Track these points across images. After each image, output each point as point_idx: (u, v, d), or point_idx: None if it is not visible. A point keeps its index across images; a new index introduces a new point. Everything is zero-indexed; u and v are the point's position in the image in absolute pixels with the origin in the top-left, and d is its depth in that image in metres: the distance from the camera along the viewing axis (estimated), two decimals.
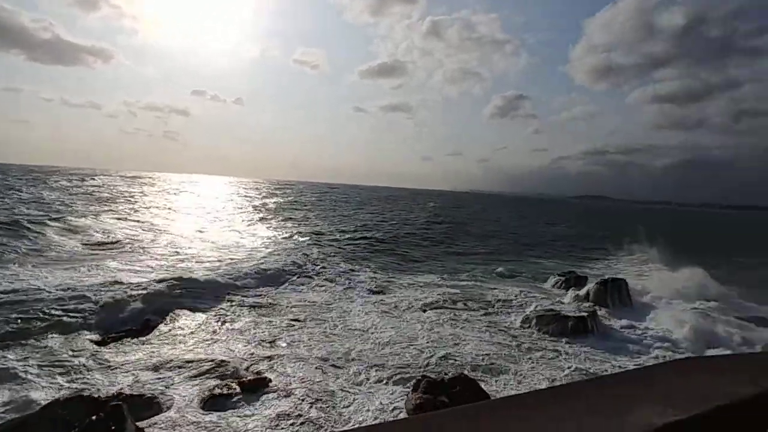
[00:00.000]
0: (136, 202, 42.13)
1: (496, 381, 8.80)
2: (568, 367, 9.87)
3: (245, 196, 72.66)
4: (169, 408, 6.95)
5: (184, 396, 7.34)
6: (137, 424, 5.94)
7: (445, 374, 7.87)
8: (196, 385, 7.83)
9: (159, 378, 7.87)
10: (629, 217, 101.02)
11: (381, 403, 7.60)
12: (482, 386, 7.92)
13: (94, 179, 75.42)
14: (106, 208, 33.04)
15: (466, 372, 8.15)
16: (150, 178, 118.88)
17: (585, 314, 12.19)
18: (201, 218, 34.49)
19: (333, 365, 9.03)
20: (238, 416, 6.85)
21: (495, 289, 16.81)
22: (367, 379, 8.41)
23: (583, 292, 15.16)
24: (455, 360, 9.56)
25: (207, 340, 9.85)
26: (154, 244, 20.76)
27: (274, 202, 58.55)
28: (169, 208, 40.19)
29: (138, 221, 28.13)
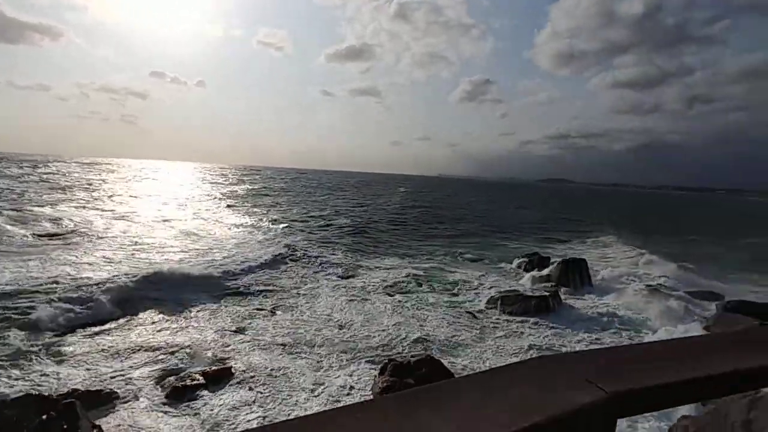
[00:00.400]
0: (95, 189, 40.10)
1: (462, 361, 9.01)
2: (530, 345, 10.25)
3: (212, 183, 70.53)
4: (129, 402, 6.75)
5: (145, 389, 7.14)
6: (95, 421, 5.74)
7: (412, 357, 7.97)
8: (158, 377, 7.64)
9: (118, 372, 7.61)
10: (591, 200, 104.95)
11: (345, 387, 7.63)
12: (448, 367, 8.10)
13: (47, 166, 71.29)
14: (63, 197, 31.36)
15: (432, 353, 8.28)
16: (108, 164, 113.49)
17: (547, 294, 12.62)
18: (166, 206, 33.13)
19: (298, 351, 9.00)
20: (201, 408, 6.74)
21: (459, 271, 17.14)
22: (332, 366, 8.43)
23: (545, 272, 15.67)
24: (422, 342, 9.72)
25: (170, 332, 9.59)
26: (115, 234, 19.69)
27: (243, 189, 56.98)
28: (131, 196, 38.47)
29: (98, 209, 26.80)
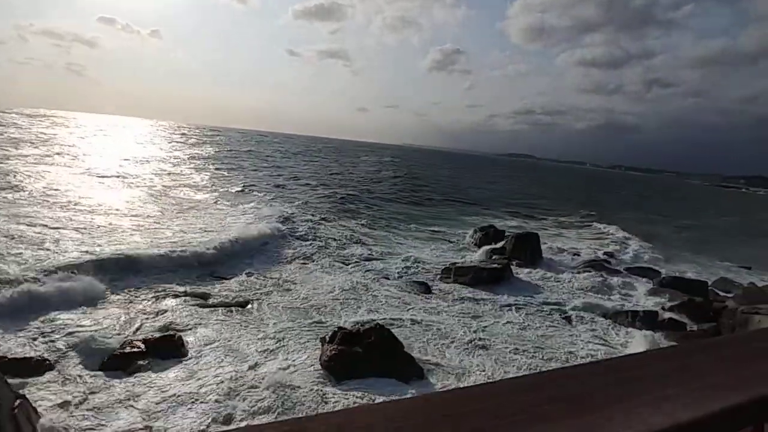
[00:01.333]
0: (46, 144, 36.74)
1: (411, 331, 9.18)
2: (482, 311, 10.65)
3: (175, 143, 66.68)
4: (59, 370, 6.44)
5: (78, 357, 6.83)
6: (19, 391, 5.43)
7: (361, 325, 8.04)
8: (96, 345, 7.32)
9: (50, 340, 7.21)
10: (552, 176, 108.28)
11: (294, 361, 7.59)
12: (397, 336, 8.23)
13: None
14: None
15: (381, 322, 8.38)
16: (54, 117, 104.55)
17: (499, 266, 12.99)
18: (128, 166, 30.48)
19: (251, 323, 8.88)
20: (139, 379, 6.53)
21: (414, 243, 17.42)
22: (284, 339, 8.33)
23: (499, 245, 16.10)
24: (374, 315, 9.81)
25: (117, 310, 9.02)
26: (72, 199, 17.36)
27: (210, 151, 53.62)
28: (87, 154, 34.73)
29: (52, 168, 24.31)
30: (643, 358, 0.85)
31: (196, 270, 11.48)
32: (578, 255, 17.30)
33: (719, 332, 10.52)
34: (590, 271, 14.10)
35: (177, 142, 68.54)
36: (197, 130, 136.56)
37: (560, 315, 10.98)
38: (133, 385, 6.36)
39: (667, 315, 11.23)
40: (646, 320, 10.65)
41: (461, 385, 7.07)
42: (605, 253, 18.10)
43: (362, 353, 7.43)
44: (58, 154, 32.20)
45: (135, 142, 58.47)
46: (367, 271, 12.95)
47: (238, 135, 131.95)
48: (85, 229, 13.66)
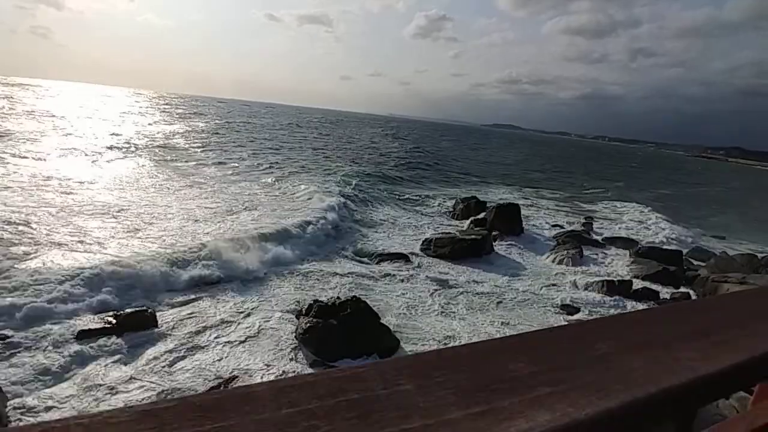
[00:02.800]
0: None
1: (388, 302, 9.19)
2: (462, 281, 10.71)
3: (164, 113, 64.02)
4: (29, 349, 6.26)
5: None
6: None
7: (337, 298, 7.98)
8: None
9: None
10: (538, 147, 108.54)
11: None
12: (373, 307, 8.21)
13: None
14: None
15: (357, 294, 8.34)
16: (25, 85, 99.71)
17: (479, 237, 13.00)
18: (125, 144, 26.79)
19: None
20: (105, 356, 6.40)
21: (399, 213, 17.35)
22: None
23: (481, 216, 16.11)
24: (354, 287, 9.77)
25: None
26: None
27: (203, 124, 50.23)
28: (73, 131, 30.54)
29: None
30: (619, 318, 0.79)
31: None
32: (559, 226, 17.50)
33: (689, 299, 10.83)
34: (568, 242, 14.24)
35: (168, 113, 65.53)
36: (179, 101, 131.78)
37: (537, 287, 11.07)
38: (98, 365, 6.24)
39: (642, 284, 11.47)
40: (621, 289, 10.85)
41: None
42: (584, 225, 18.32)
43: (337, 325, 7.40)
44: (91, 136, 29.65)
45: (121, 113, 55.51)
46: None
47: (222, 105, 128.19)
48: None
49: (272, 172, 22.88)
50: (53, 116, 39.59)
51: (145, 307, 7.74)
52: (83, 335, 6.77)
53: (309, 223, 13.12)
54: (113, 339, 6.77)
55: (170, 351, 6.72)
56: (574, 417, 0.45)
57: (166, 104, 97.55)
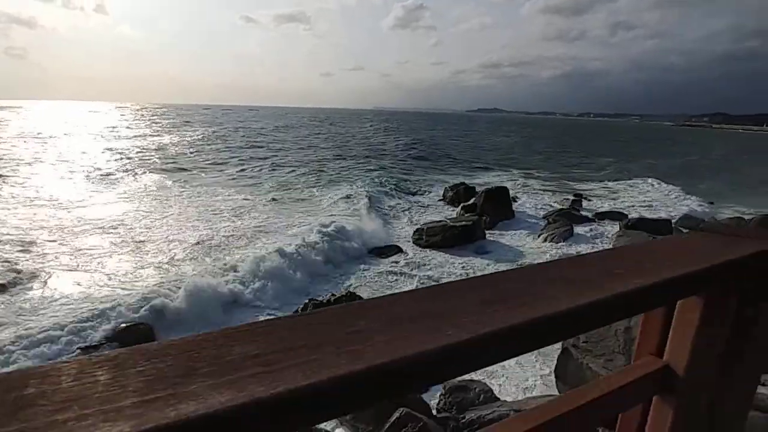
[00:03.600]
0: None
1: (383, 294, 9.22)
2: (453, 272, 10.73)
3: (155, 124, 62.93)
4: None
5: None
6: None
7: (332, 294, 8.00)
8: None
9: None
10: (522, 129, 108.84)
11: None
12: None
13: None
14: None
15: (351, 290, 8.36)
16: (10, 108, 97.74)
17: (469, 223, 13.03)
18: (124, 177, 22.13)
19: None
20: None
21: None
22: None
23: (470, 202, 16.16)
24: (344, 283, 9.77)
25: None
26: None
27: (201, 135, 48.23)
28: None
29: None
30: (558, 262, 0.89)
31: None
32: (549, 206, 17.60)
33: None
34: (559, 221, 14.33)
35: (160, 124, 64.55)
36: (166, 111, 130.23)
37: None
38: None
39: None
40: None
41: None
42: (573, 201, 18.43)
43: None
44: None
45: (130, 130, 54.07)
46: None
47: (207, 112, 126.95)
48: None
49: (297, 180, 22.06)
50: (42, 137, 38.89)
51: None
52: None
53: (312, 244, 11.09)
54: None
55: None
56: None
57: (153, 115, 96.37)
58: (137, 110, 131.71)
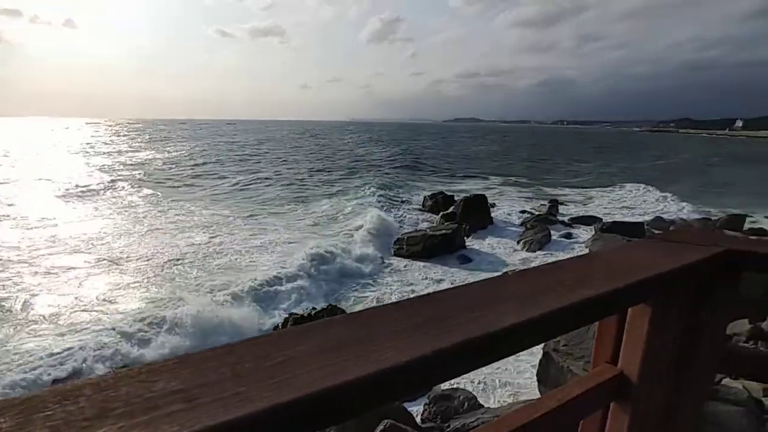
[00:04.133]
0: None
1: (364, 306, 9.17)
2: (437, 280, 10.76)
3: (134, 140, 61.17)
4: None
5: None
6: None
7: (313, 308, 7.92)
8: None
9: None
10: (500, 138, 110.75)
11: None
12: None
13: None
14: None
15: (332, 303, 8.30)
16: None
17: (449, 232, 13.13)
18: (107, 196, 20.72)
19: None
20: None
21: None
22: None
23: (449, 210, 16.31)
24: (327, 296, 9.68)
25: None
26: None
27: (186, 150, 46.89)
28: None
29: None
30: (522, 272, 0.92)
31: None
32: (526, 212, 17.90)
33: None
34: (536, 227, 14.59)
35: (140, 141, 62.26)
36: (140, 126, 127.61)
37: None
38: None
39: None
40: None
41: None
42: (550, 207, 18.80)
43: None
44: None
45: (108, 146, 52.13)
46: None
47: (188, 126, 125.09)
48: None
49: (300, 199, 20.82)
50: (12, 155, 37.42)
51: None
52: None
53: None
54: None
55: None
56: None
57: (129, 131, 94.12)
58: (111, 126, 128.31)
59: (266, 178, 26.98)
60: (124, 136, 77.83)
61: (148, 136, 73.57)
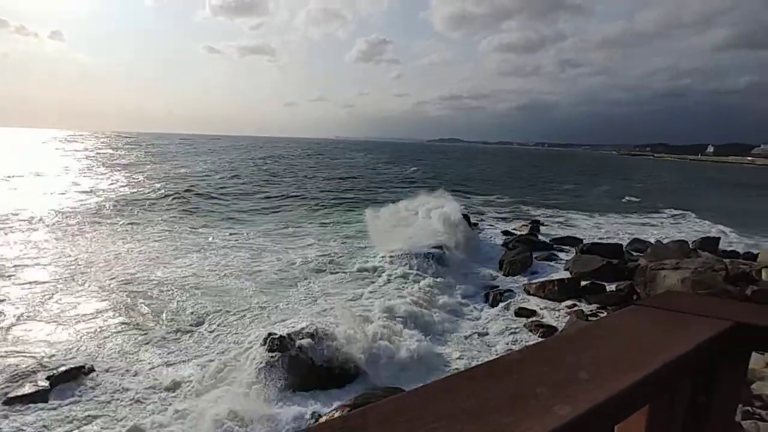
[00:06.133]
0: None
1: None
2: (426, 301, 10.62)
3: (129, 153, 59.60)
4: None
5: None
6: None
7: (293, 327, 7.76)
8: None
9: None
10: (482, 158, 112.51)
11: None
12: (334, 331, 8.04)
13: None
14: None
15: (312, 321, 8.14)
16: None
17: (438, 248, 13.18)
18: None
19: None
20: (40, 419, 5.83)
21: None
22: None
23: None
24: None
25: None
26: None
27: (213, 164, 45.77)
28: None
29: None
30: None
31: None
32: (508, 232, 18.08)
33: (633, 290, 11.40)
34: (518, 247, 14.70)
35: (138, 155, 59.90)
36: (128, 138, 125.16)
37: (483, 298, 11.21)
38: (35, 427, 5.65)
39: (588, 280, 11.99)
40: (571, 288, 11.28)
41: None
42: (531, 228, 19.02)
43: (298, 355, 7.17)
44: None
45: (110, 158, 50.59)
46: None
47: (176, 140, 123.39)
48: None
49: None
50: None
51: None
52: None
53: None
54: None
55: None
56: None
57: (127, 145, 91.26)
58: (100, 138, 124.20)
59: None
60: (126, 148, 75.84)
61: (155, 149, 72.23)
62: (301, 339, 7.40)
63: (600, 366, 0.75)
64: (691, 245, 14.89)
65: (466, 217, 16.95)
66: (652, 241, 16.74)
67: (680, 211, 26.47)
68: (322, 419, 5.72)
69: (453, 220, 15.51)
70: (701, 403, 0.87)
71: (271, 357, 7.06)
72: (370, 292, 11.01)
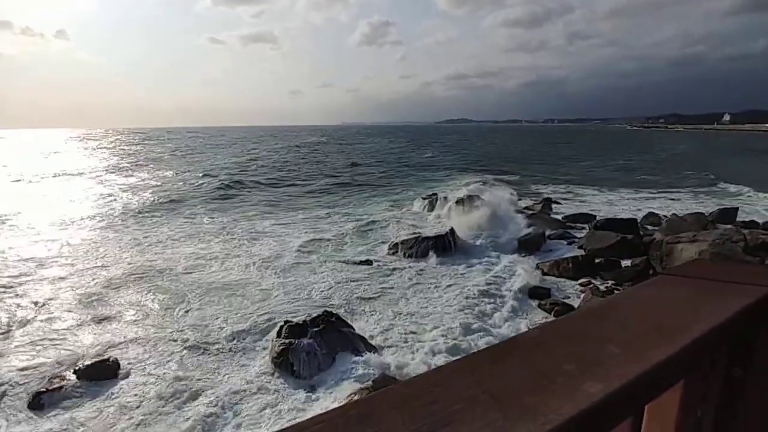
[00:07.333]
0: None
1: (363, 312, 9.09)
2: (435, 285, 10.64)
3: (151, 149, 60.29)
4: None
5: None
6: None
7: (308, 315, 7.82)
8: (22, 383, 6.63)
9: None
10: (492, 138, 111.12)
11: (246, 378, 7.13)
12: (347, 320, 8.11)
13: None
14: None
15: (328, 308, 8.21)
16: None
17: (443, 233, 13.09)
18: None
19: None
20: (69, 415, 6.00)
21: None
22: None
23: (444, 211, 16.30)
24: (321, 299, 9.60)
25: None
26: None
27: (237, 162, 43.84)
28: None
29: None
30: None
31: None
32: (521, 212, 17.86)
33: (650, 265, 11.25)
34: (532, 226, 14.57)
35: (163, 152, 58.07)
36: (142, 134, 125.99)
37: (499, 278, 11.05)
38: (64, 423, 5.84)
39: (604, 256, 11.85)
40: (585, 266, 11.18)
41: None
42: (543, 205, 18.80)
43: (311, 342, 7.25)
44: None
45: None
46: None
47: (186, 134, 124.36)
48: None
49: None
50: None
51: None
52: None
53: None
54: None
55: None
56: None
57: (142, 140, 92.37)
58: (117, 137, 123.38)
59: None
60: (144, 144, 76.40)
61: (184, 144, 73.44)
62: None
63: (631, 339, 0.72)
64: (708, 217, 14.61)
65: (477, 198, 16.82)
66: (668, 214, 16.45)
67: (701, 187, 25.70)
68: (335, 404, 5.80)
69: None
70: (737, 376, 0.85)
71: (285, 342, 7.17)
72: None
